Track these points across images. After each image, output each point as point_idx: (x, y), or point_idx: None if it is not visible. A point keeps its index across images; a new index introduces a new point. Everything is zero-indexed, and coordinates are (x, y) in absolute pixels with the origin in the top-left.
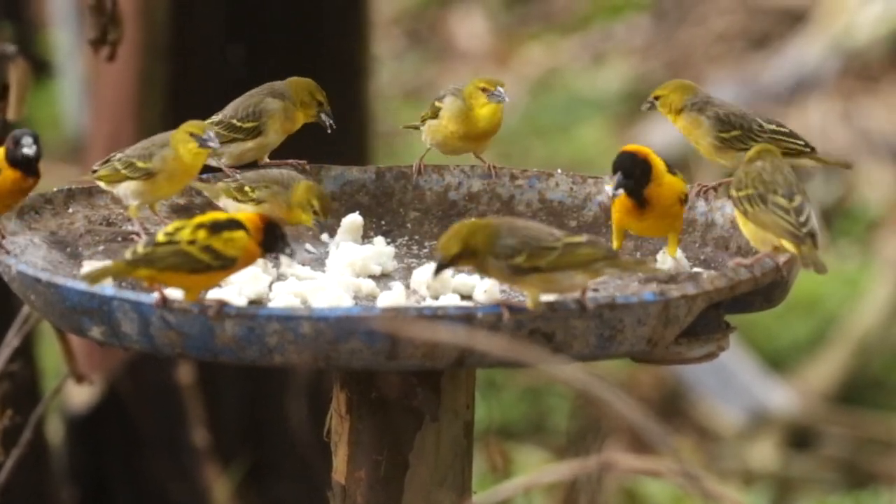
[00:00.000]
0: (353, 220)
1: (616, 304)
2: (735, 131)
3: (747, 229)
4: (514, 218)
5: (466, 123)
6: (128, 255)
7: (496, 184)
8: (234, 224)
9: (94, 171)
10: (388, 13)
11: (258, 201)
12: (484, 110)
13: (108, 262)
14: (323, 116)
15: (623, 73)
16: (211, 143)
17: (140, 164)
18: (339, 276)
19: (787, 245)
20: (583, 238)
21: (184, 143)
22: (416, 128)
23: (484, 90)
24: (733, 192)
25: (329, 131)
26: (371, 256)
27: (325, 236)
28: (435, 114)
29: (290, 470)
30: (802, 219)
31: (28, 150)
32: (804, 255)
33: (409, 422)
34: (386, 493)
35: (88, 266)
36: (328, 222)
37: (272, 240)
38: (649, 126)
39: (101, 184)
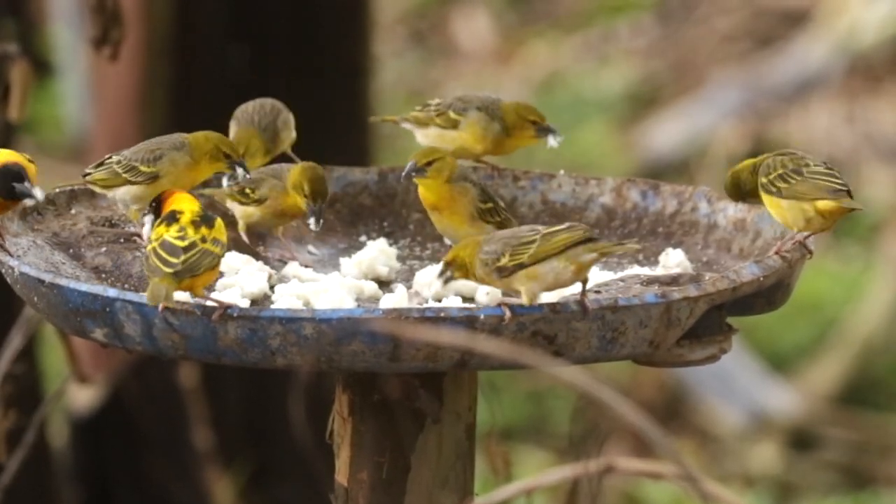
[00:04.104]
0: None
1: (618, 305)
2: (490, 203)
3: (779, 210)
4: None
5: (495, 147)
6: (166, 269)
7: (498, 185)
8: (209, 214)
9: (87, 175)
10: (391, 13)
11: (261, 200)
12: (524, 142)
13: (157, 282)
14: (236, 169)
15: (626, 74)
16: (238, 174)
17: (143, 168)
18: (343, 277)
19: (825, 206)
20: (562, 225)
21: (210, 158)
22: (395, 121)
23: (534, 123)
24: (762, 179)
25: (243, 181)
26: (377, 257)
27: (311, 222)
28: (453, 125)
29: (293, 472)
30: (839, 175)
31: (32, 200)
32: (843, 201)
33: (411, 424)
34: (388, 495)
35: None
36: (321, 206)
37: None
38: (653, 127)
39: (95, 188)
